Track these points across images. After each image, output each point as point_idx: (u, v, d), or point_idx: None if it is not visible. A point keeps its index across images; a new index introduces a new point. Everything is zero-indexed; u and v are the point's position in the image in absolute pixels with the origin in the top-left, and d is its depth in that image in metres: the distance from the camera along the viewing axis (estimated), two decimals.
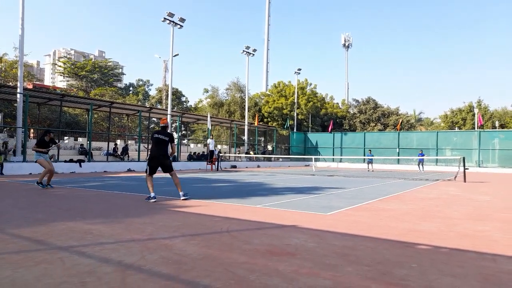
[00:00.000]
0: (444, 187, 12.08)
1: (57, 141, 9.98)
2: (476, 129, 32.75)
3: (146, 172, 7.41)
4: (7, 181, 11.28)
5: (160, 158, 7.30)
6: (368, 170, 24.64)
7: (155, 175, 7.70)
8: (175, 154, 6.36)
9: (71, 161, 17.61)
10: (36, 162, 9.44)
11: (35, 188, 9.33)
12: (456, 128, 43.41)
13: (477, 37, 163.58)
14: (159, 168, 7.45)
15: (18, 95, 16.66)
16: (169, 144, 7.47)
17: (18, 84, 16.67)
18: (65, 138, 24.33)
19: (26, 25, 16.79)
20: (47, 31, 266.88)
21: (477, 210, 6.73)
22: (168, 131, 7.65)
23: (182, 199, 7.25)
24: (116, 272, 2.90)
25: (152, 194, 7.10)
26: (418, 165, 24.26)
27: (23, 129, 16.29)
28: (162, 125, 7.57)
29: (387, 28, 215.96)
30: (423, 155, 23.72)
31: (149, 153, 7.30)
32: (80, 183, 11.17)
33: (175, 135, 30.93)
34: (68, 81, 57.25)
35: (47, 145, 9.57)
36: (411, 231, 4.73)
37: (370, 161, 25.24)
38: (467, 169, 15.34)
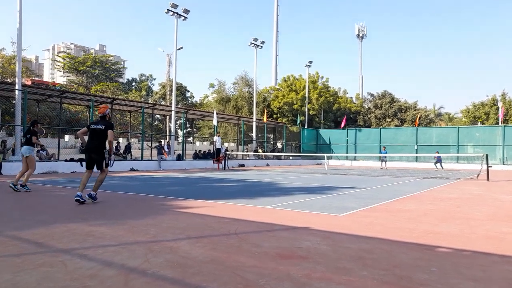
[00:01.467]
0: (466, 186, 11.93)
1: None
2: (500, 124, 32.27)
3: None
4: (6, 181, 11.44)
5: (92, 151, 6.81)
6: (381, 168, 24.55)
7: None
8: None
9: (72, 160, 17.82)
10: (27, 157, 8.73)
11: (35, 188, 9.45)
12: (479, 123, 42.83)
13: (501, 25, 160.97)
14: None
15: (16, 92, 16.89)
16: (106, 135, 6.79)
17: (17, 80, 16.89)
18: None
19: (24, 18, 17.00)
20: (46, 24, 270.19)
21: (502, 211, 6.64)
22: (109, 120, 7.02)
23: (87, 198, 6.82)
24: (119, 275, 2.92)
25: (78, 193, 6.65)
26: (435, 164, 24.18)
27: (22, 127, 16.51)
28: (100, 115, 7.04)
29: (403, 17, 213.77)
30: (439, 156, 23.54)
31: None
32: None
33: (180, 133, 31.09)
34: (68, 76, 57.93)
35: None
36: (431, 233, 4.69)
37: (384, 159, 25.20)
38: (490, 167, 15.14)
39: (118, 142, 24.33)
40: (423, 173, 20.06)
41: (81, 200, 6.65)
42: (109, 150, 6.87)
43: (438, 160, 23.96)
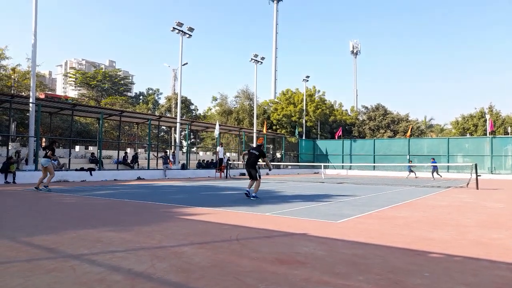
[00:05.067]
0: (456, 194, 11.89)
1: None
2: (488, 135, 32.27)
3: None
4: (20, 190, 11.44)
5: (248, 167, 9.48)
6: (407, 177, 24.66)
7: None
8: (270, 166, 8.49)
9: (82, 169, 17.80)
10: (46, 167, 10.83)
11: (46, 196, 9.45)
12: (468, 134, 42.82)
13: (488, 41, 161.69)
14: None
15: (30, 105, 16.96)
16: (260, 158, 9.51)
17: (31, 94, 16.98)
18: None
19: (38, 35, 17.14)
20: (59, 41, 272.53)
21: (491, 218, 6.61)
22: (261, 149, 9.77)
23: (253, 197, 9.07)
24: (126, 280, 2.91)
25: (247, 189, 9.43)
26: (432, 173, 23.81)
27: (35, 138, 16.54)
28: (258, 144, 9.88)
29: (396, 34, 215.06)
30: (435, 162, 23.42)
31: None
32: (91, 191, 11.28)
33: (184, 143, 31.15)
34: (79, 90, 58.18)
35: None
36: (423, 239, 4.66)
37: (409, 169, 25.43)
38: (479, 176, 15.08)
39: (125, 153, 24.32)
40: (416, 181, 20.00)
41: (248, 195, 9.23)
42: (267, 164, 9.75)
43: (435, 168, 23.15)
